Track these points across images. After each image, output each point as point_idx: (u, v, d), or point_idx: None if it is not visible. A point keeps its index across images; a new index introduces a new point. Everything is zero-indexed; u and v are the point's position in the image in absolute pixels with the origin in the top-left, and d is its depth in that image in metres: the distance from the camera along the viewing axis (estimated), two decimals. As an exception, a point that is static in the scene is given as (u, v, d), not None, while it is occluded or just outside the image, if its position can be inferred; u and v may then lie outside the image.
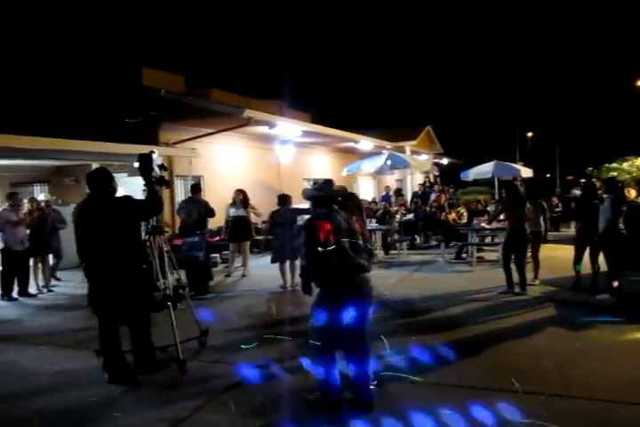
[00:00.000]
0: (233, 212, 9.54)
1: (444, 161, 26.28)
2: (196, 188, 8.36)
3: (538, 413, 3.53)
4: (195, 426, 3.59)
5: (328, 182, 3.95)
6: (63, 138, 8.97)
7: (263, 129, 12.46)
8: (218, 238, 11.35)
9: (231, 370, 4.54)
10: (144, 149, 10.35)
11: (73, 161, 10.34)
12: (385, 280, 8.73)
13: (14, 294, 8.18)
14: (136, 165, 4.64)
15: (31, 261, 8.63)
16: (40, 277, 8.78)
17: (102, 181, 4.42)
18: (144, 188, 4.63)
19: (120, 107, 11.42)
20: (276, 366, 4.60)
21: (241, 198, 9.52)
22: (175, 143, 11.76)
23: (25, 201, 8.64)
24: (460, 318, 6.15)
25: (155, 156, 4.69)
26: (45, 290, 8.66)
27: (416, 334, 5.42)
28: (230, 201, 9.74)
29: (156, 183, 4.68)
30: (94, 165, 10.01)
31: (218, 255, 11.17)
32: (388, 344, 4.93)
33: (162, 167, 4.86)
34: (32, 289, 8.49)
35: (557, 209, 15.47)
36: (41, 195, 9.85)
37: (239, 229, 9.54)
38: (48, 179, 12.50)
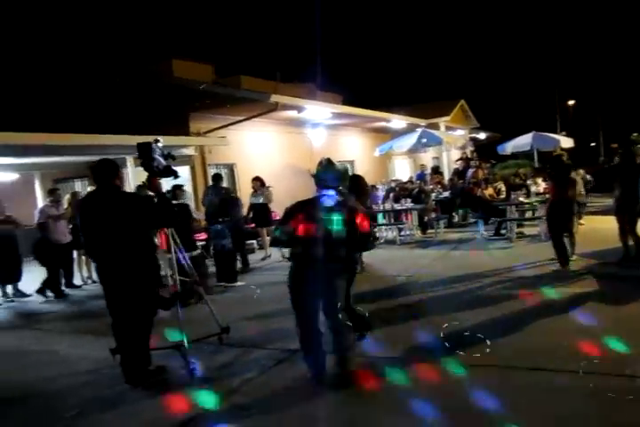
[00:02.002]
0: (253, 199, 9.90)
1: (482, 135, 25.62)
2: (218, 177, 8.48)
3: (570, 390, 3.46)
4: (227, 410, 3.66)
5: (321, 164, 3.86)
6: (95, 133, 9.22)
7: (292, 113, 12.44)
8: (253, 225, 11.46)
9: (262, 355, 4.60)
10: (176, 140, 10.62)
11: (106, 155, 10.58)
12: (420, 260, 8.68)
13: (60, 286, 8.49)
14: (136, 154, 4.51)
15: (75, 254, 8.95)
16: (84, 268, 9.08)
17: (105, 172, 4.16)
18: (144, 181, 4.50)
19: (151, 99, 11.59)
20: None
21: (259, 185, 9.79)
22: (206, 132, 11.87)
23: (67, 196, 8.95)
24: (495, 295, 6.04)
25: (159, 145, 4.50)
26: (90, 281, 8.97)
27: (446, 313, 5.35)
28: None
29: (161, 174, 4.49)
30: (128, 159, 10.24)
31: (255, 241, 11.30)
32: (417, 324, 4.91)
33: (169, 156, 4.62)
34: (77, 280, 8.80)
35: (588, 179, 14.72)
36: (89, 187, 10.12)
37: (261, 214, 9.85)
38: (87, 174, 12.87)
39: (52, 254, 8.40)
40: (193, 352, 4.40)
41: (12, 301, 8.11)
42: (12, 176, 11.46)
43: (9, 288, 8.25)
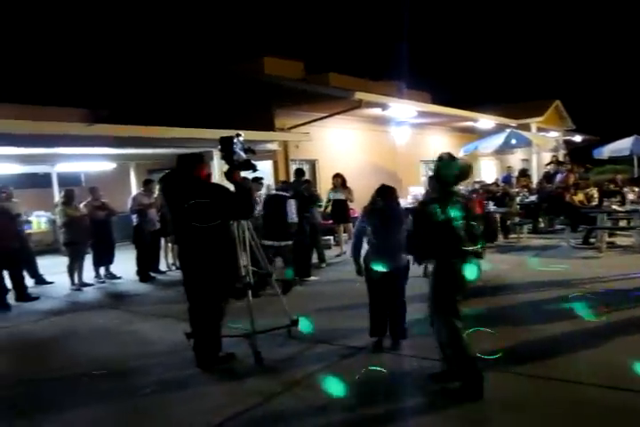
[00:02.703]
0: (333, 195, 10.04)
1: (577, 138, 24.22)
2: (300, 172, 8.64)
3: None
4: (289, 401, 3.76)
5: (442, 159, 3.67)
6: (187, 127, 9.72)
7: (376, 111, 12.41)
8: (331, 221, 11.56)
9: (327, 350, 4.68)
10: (261, 135, 10.94)
11: (196, 148, 11.11)
12: (498, 265, 8.37)
13: (147, 271, 9.02)
14: (219, 148, 4.62)
15: (162, 241, 9.46)
16: (169, 255, 9.58)
17: (187, 163, 4.40)
18: (225, 171, 4.62)
19: (241, 95, 12.00)
20: (372, 345, 4.66)
21: (340, 182, 9.91)
22: (290, 128, 12.11)
23: (158, 186, 9.49)
24: (576, 307, 5.68)
25: (240, 139, 4.59)
26: (174, 267, 9.45)
27: (521, 322, 5.19)
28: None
29: (240, 167, 4.58)
30: (215, 152, 10.68)
31: (332, 238, 11.40)
32: (489, 332, 4.76)
33: (249, 151, 4.70)
34: (162, 266, 9.32)
35: None
36: None
37: (339, 210, 9.98)
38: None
39: (140, 240, 8.96)
40: (261, 342, 4.54)
41: (104, 282, 8.72)
42: (109, 166, 12.27)
43: (102, 270, 8.87)
